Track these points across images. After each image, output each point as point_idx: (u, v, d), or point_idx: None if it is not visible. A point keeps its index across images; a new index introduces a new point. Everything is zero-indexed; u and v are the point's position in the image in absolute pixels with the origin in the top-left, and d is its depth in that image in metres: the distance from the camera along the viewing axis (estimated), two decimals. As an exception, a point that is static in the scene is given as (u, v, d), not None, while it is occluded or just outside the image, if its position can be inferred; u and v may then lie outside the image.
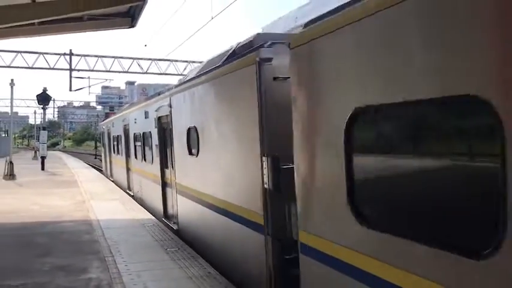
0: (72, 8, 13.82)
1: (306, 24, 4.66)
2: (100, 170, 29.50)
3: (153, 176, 12.42)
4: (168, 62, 38.48)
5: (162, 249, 8.62)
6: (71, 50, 36.48)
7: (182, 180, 9.57)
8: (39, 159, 32.02)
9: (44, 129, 33.65)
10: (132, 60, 38.38)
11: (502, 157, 2.49)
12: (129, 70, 38.62)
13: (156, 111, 11.65)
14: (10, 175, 23.73)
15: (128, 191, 17.37)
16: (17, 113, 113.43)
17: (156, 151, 11.90)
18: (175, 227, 10.30)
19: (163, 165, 11.31)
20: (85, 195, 16.67)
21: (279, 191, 5.39)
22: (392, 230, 3.37)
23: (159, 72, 38.91)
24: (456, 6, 2.80)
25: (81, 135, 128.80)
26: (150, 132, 12.57)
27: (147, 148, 13.37)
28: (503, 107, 2.47)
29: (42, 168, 29.78)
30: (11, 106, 27.57)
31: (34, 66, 35.20)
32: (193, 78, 8.77)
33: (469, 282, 2.73)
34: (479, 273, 2.66)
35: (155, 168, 11.95)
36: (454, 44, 2.80)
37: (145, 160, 13.65)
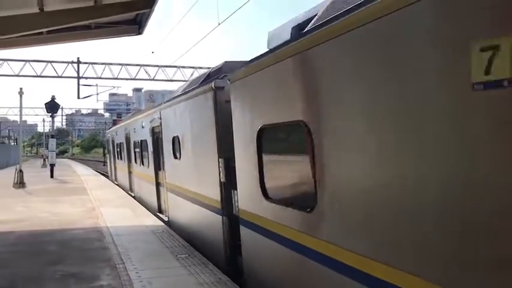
0: (80, 17, 13.93)
1: (250, 61, 6.37)
2: (107, 177, 29.62)
3: (149, 177, 14.55)
4: (175, 69, 38.68)
5: (172, 256, 8.62)
6: (78, 58, 36.80)
7: (170, 180, 11.70)
8: (48, 167, 32.20)
9: (52, 137, 33.86)
10: (139, 67, 38.64)
11: (312, 156, 4.64)
12: (137, 77, 38.86)
13: (150, 122, 13.79)
14: (20, 183, 23.87)
15: (129, 192, 19.16)
16: (25, 121, 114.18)
17: (151, 156, 14.00)
18: (166, 218, 12.56)
19: (157, 167, 13.39)
20: (94, 202, 16.73)
21: (229, 182, 7.51)
22: (280, 202, 5.62)
23: (166, 78, 39.10)
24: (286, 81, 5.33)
25: (89, 142, 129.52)
26: (146, 140, 14.62)
27: (144, 154, 15.49)
28: (310, 126, 4.69)
29: (52, 176, 29.94)
30: (20, 115, 27.76)
31: (42, 74, 35.54)
32: (176, 96, 10.99)
33: (305, 222, 4.98)
34: (308, 217, 4.90)
35: (150, 170, 14.08)
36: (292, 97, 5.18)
37: (143, 164, 15.88)
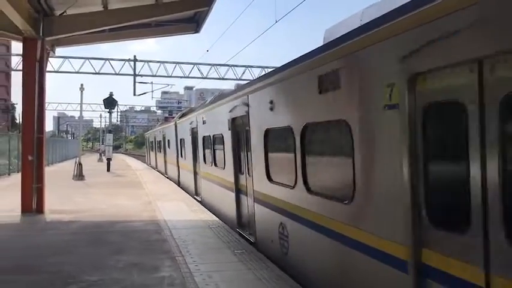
0: (142, 14, 14.32)
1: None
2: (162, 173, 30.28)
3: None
4: (227, 67, 39.07)
5: (229, 251, 8.68)
6: (135, 56, 37.88)
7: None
8: (105, 161, 33.35)
9: (110, 132, 35.06)
10: (192, 65, 39.31)
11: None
12: (190, 75, 39.56)
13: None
14: (79, 176, 24.85)
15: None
16: (82, 116, 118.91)
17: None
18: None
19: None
20: (150, 196, 17.15)
21: None
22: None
23: (218, 77, 39.57)
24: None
25: (142, 138, 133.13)
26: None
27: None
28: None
29: (108, 170, 30.99)
30: (81, 110, 28.90)
31: (101, 71, 36.83)
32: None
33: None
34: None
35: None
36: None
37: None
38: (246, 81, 12.22)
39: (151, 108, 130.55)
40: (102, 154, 44.93)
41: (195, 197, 16.66)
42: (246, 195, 10.05)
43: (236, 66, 39.08)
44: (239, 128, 10.48)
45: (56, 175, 26.05)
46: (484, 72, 3.40)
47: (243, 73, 38.94)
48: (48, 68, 31.59)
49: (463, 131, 3.62)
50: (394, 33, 4.41)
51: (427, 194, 4.10)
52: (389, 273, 4.54)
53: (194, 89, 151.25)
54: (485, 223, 3.43)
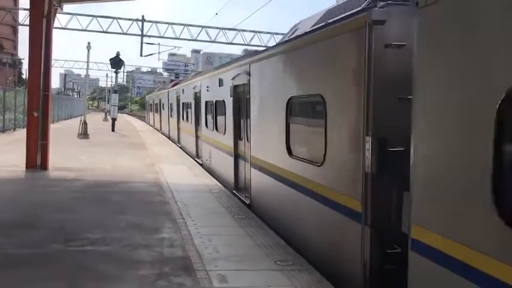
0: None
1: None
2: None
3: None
4: (236, 32, 38.48)
5: (230, 216, 8.78)
6: (143, 16, 37.29)
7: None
8: (110, 121, 33.43)
9: (115, 92, 35.00)
10: (201, 28, 38.73)
11: None
12: (198, 38, 39.05)
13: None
14: (84, 134, 24.98)
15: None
16: (89, 75, 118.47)
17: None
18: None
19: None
20: (153, 158, 17.26)
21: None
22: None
23: (226, 41, 39.07)
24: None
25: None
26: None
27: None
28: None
29: (113, 130, 31.10)
30: (87, 69, 28.80)
31: (108, 30, 36.38)
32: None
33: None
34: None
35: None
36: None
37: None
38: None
39: (158, 70, 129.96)
40: (108, 114, 44.97)
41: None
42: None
43: (245, 31, 38.43)
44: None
45: (61, 133, 26.17)
46: None
47: (252, 38, 38.40)
48: (56, 24, 31.31)
49: None
50: None
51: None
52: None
53: (201, 52, 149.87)
54: None
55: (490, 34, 3.13)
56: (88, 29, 35.89)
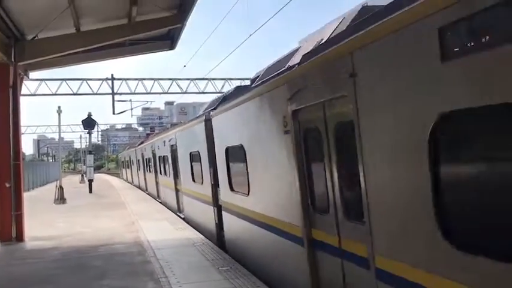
0: (115, 35, 14.24)
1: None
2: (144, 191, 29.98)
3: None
4: (206, 81, 38.99)
5: (214, 269, 8.60)
6: (112, 74, 37.49)
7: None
8: (87, 182, 32.91)
9: (90, 153, 34.65)
10: (171, 81, 39.10)
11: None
12: (169, 91, 39.37)
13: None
14: (61, 199, 24.46)
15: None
16: (63, 138, 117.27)
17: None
18: None
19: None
20: (133, 216, 16.95)
21: None
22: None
23: (197, 91, 39.47)
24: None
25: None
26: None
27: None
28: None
29: (90, 191, 30.57)
30: (59, 132, 28.56)
31: (78, 92, 36.42)
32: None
33: None
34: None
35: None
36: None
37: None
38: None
39: (133, 126, 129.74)
40: (84, 175, 44.32)
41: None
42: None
43: (215, 79, 39.04)
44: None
45: (37, 200, 25.61)
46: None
47: (223, 86, 38.93)
48: (25, 91, 31.13)
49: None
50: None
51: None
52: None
53: (175, 103, 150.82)
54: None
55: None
56: (58, 92, 35.90)
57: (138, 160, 31.99)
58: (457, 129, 3.43)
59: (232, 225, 9.91)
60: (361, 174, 4.45)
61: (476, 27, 3.10)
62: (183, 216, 16.05)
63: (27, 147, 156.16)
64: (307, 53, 5.98)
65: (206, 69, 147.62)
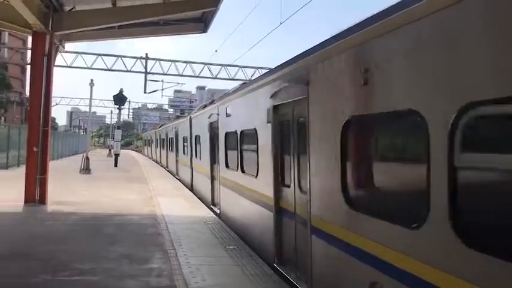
0: (150, 13, 14.54)
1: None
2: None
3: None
4: (237, 68, 39.20)
5: (221, 246, 8.84)
6: (146, 54, 38.13)
7: None
8: (113, 157, 33.72)
9: (118, 128, 35.41)
10: (203, 65, 39.48)
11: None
12: (200, 75, 39.77)
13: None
14: (86, 169, 25.19)
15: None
16: (95, 112, 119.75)
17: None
18: None
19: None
20: (153, 191, 17.38)
21: None
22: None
23: (228, 77, 39.74)
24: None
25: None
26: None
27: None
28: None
29: (116, 165, 31.32)
30: (90, 105, 29.32)
31: (113, 68, 37.18)
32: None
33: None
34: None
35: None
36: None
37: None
38: None
39: (164, 107, 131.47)
40: (112, 149, 45.33)
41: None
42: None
43: (246, 67, 39.21)
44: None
45: (64, 168, 26.42)
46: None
47: (253, 74, 39.08)
48: (61, 62, 31.96)
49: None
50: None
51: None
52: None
53: (206, 88, 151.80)
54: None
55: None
56: (93, 67, 36.76)
57: (157, 139, 40.14)
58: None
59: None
60: (307, 158, 5.94)
61: None
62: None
63: (60, 118, 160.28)
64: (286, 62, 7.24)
65: (237, 55, 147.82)
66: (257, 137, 8.57)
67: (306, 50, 6.34)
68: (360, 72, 4.56)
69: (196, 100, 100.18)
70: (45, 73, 13.46)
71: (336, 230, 5.17)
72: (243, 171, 9.85)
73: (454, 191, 3.29)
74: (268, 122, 7.74)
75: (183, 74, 39.42)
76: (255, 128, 8.65)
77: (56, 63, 15.07)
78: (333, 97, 5.34)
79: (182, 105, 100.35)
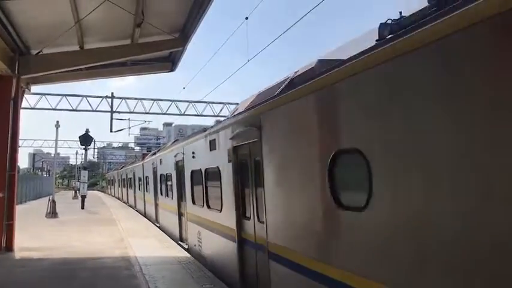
0: (117, 54, 14.69)
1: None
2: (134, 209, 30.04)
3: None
4: (205, 104, 39.48)
5: (197, 286, 8.78)
6: (112, 93, 37.92)
7: None
8: (79, 199, 32.96)
9: (85, 169, 34.77)
10: (170, 102, 39.59)
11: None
12: (168, 112, 39.81)
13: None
14: (53, 213, 24.53)
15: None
16: (58, 153, 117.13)
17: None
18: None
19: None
20: (123, 233, 17.08)
21: None
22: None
23: (196, 113, 39.92)
24: None
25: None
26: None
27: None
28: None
29: (82, 207, 30.62)
30: (56, 147, 28.78)
31: (78, 108, 36.82)
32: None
33: None
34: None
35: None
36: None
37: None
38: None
39: (130, 145, 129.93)
40: (77, 191, 44.32)
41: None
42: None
43: (213, 103, 39.56)
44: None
45: (29, 213, 25.67)
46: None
47: (221, 110, 39.44)
48: (25, 104, 31.42)
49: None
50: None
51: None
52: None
53: (173, 125, 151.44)
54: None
55: None
56: (57, 108, 36.29)
57: (118, 179, 46.11)
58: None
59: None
60: (263, 193, 6.79)
61: None
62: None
63: (22, 160, 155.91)
64: (242, 111, 8.24)
65: (205, 92, 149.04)
66: (220, 175, 9.22)
67: (260, 101, 7.38)
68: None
69: (164, 137, 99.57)
70: (12, 117, 13.29)
71: (288, 253, 6.09)
72: (208, 206, 10.48)
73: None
74: (229, 161, 8.50)
75: (150, 111, 39.35)
76: (217, 167, 9.35)
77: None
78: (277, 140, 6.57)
79: (149, 143, 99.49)
